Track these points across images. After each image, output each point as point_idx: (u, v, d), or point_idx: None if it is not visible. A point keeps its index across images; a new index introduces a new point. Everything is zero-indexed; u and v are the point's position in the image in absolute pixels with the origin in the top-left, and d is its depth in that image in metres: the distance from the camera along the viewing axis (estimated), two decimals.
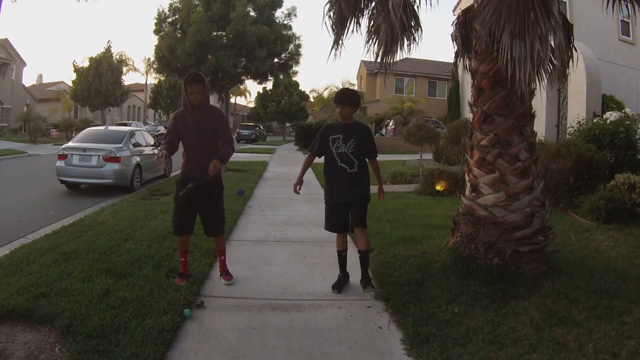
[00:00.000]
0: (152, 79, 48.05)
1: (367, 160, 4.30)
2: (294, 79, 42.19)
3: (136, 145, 11.23)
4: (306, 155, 4.56)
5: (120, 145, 10.51)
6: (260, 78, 14.55)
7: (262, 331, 3.42)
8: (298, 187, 4.40)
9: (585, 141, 8.03)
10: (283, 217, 7.61)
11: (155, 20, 14.01)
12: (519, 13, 3.82)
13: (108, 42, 54.60)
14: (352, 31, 4.96)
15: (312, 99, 40.56)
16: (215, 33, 13.20)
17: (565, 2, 13.97)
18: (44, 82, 50.14)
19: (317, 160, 4.48)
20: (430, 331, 3.30)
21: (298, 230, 6.65)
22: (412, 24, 4.66)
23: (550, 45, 3.92)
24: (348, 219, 4.23)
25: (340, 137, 4.15)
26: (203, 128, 4.22)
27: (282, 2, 14.18)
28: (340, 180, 4.17)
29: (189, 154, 4.32)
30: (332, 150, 4.16)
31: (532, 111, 4.62)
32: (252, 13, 13.59)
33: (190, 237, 4.49)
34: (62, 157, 10.22)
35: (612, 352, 2.94)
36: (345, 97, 4.25)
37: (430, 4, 4.96)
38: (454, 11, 21.98)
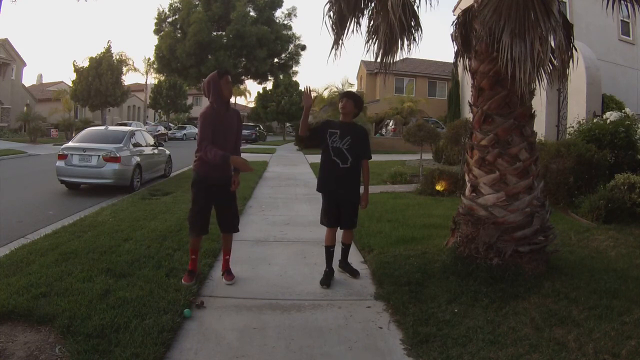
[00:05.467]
0: (152, 79, 48.04)
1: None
2: (294, 79, 42.18)
3: (136, 145, 11.23)
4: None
5: (120, 145, 10.50)
6: (260, 78, 14.58)
7: (262, 331, 3.42)
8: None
9: (585, 141, 8.03)
10: (283, 217, 7.60)
11: (155, 20, 14.04)
12: (518, 13, 3.82)
13: (108, 42, 54.44)
14: (352, 31, 4.97)
15: None
16: (215, 33, 13.23)
17: (565, 2, 13.97)
18: (44, 82, 50.11)
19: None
20: (430, 331, 3.30)
21: (298, 230, 6.65)
22: (412, 24, 4.67)
23: (550, 45, 3.92)
24: (339, 214, 4.39)
25: (337, 132, 4.31)
26: (230, 125, 4.25)
27: (282, 2, 14.19)
28: (331, 172, 4.33)
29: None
30: (329, 144, 4.31)
31: (532, 111, 4.62)
32: (252, 13, 13.59)
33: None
34: (62, 157, 10.22)
35: (612, 352, 2.95)
36: (350, 93, 4.55)
37: (430, 4, 4.97)
38: (454, 11, 21.98)
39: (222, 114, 4.17)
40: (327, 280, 4.37)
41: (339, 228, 4.48)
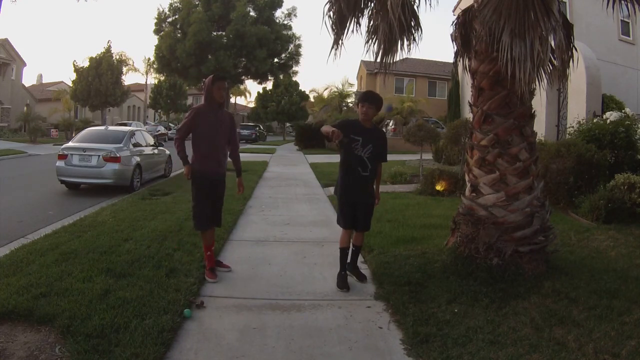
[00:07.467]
0: (152, 79, 48.08)
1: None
2: (294, 79, 42.19)
3: (136, 145, 11.23)
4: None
5: (120, 145, 10.50)
6: (260, 78, 14.57)
7: (262, 331, 3.42)
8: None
9: (585, 141, 8.03)
10: (283, 217, 7.61)
11: (155, 20, 14.03)
12: (518, 13, 3.82)
13: (108, 42, 54.41)
14: (352, 31, 4.97)
15: (312, 99, 40.59)
16: (215, 33, 13.22)
17: (565, 2, 13.96)
18: (44, 82, 50.09)
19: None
20: (430, 331, 3.30)
21: (298, 230, 6.65)
22: (412, 24, 4.67)
23: (550, 45, 3.92)
24: (355, 217, 4.33)
25: (360, 140, 4.18)
26: (222, 125, 4.62)
27: (282, 2, 14.18)
28: (353, 181, 4.28)
29: (208, 150, 4.53)
30: (350, 151, 4.22)
31: (532, 111, 4.62)
32: (252, 13, 13.59)
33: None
34: (62, 157, 10.22)
35: (612, 352, 2.95)
36: (376, 98, 4.32)
37: (430, 4, 4.97)
38: (454, 11, 21.98)
39: (212, 114, 4.55)
40: (344, 283, 4.30)
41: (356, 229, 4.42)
